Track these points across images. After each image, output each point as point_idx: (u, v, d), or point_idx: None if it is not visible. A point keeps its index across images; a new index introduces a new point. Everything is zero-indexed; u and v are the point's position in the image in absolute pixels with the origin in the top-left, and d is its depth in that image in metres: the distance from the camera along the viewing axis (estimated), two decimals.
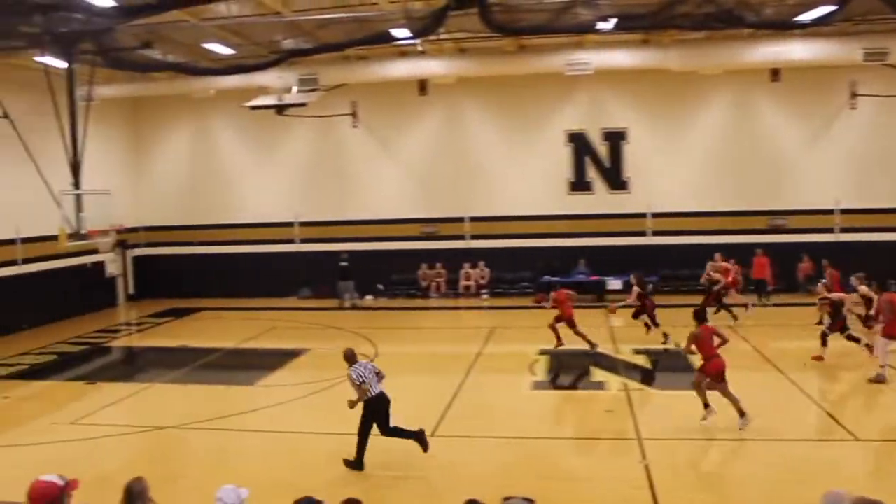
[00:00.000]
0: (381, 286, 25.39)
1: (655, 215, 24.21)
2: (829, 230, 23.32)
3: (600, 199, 24.51)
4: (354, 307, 23.80)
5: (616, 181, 24.50)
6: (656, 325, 16.99)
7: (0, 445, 11.41)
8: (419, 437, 9.86)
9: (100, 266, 24.44)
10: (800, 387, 13.30)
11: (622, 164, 24.41)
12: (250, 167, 26.44)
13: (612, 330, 18.46)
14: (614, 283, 22.49)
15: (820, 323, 15.96)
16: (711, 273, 19.43)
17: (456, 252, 25.07)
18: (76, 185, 17.12)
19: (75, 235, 16.73)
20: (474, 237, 25.20)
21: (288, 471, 9.90)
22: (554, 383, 15.06)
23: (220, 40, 18.81)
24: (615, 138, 24.38)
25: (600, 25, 15.93)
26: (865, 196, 23.03)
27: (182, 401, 14.07)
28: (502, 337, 18.94)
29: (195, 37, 18.30)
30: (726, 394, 11.07)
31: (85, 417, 12.76)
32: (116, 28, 15.18)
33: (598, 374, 14.86)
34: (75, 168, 17.22)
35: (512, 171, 24.89)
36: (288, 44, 18.35)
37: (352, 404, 9.95)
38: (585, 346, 16.22)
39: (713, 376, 11.08)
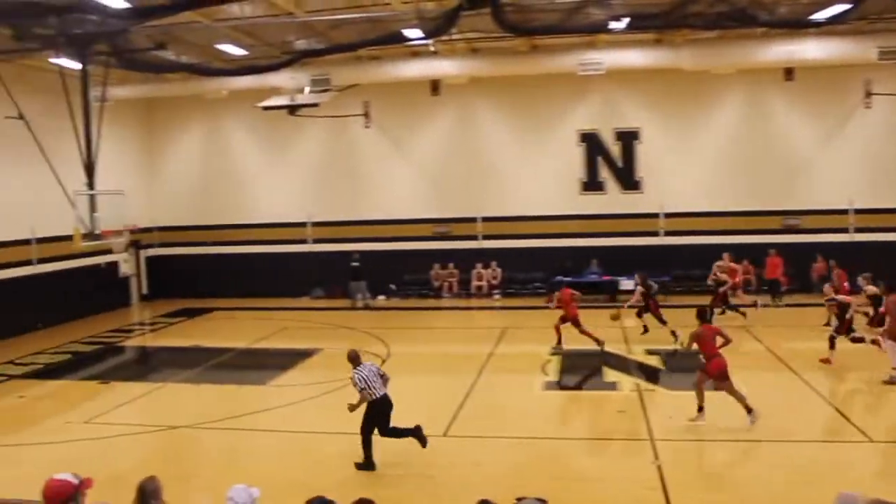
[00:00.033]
0: (393, 286, 25.40)
1: (668, 215, 24.09)
2: (844, 230, 23.13)
3: (613, 199, 24.42)
4: (367, 307, 23.82)
5: (628, 181, 24.40)
6: (663, 323, 16.93)
7: (15, 444, 11.52)
8: (417, 433, 9.88)
9: (113, 266, 24.58)
10: (813, 387, 13.23)
11: (635, 163, 24.32)
12: (263, 167, 26.52)
13: (624, 330, 18.39)
14: (627, 284, 22.33)
15: (828, 324, 15.85)
16: (718, 273, 19.34)
17: (468, 252, 25.05)
18: (90, 185, 17.25)
19: (89, 235, 16.84)
20: (486, 237, 25.16)
21: (300, 470, 9.92)
22: (566, 384, 15.00)
23: (233, 41, 18.89)
24: (628, 138, 24.28)
25: (613, 25, 15.90)
26: (880, 196, 22.83)
27: (195, 400, 14.14)
28: (514, 337, 18.92)
29: (208, 38, 18.38)
30: (732, 392, 11.04)
31: (98, 416, 12.83)
32: (130, 29, 15.30)
33: (610, 375, 14.83)
34: (89, 168, 17.34)
35: (524, 171, 24.85)
36: (300, 44, 18.41)
37: (352, 407, 9.96)
38: (594, 346, 16.18)
39: (715, 376, 11.05)
